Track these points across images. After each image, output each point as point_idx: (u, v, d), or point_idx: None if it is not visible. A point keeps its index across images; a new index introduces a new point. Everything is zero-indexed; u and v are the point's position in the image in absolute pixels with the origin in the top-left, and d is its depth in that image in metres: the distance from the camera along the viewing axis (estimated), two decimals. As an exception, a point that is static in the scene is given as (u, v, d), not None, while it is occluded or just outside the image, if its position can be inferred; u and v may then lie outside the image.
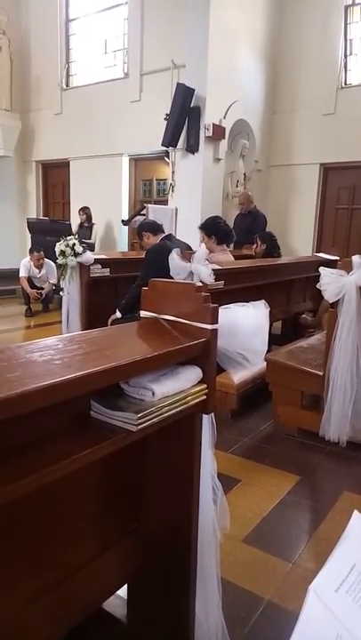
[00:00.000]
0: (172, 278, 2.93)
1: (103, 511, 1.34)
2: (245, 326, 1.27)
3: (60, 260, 3.93)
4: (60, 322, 4.20)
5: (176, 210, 6.54)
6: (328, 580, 0.61)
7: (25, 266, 6.76)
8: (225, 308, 1.27)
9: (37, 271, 6.79)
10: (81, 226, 7.78)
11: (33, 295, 6.72)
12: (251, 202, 6.32)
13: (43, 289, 6.80)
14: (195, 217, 5.74)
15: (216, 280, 3.13)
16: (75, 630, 1.31)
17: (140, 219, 6.90)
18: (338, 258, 4.77)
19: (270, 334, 1.39)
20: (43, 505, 1.12)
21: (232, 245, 5.55)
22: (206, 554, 1.33)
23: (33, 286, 6.77)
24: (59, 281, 4.18)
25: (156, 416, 1.06)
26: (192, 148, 6.07)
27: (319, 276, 2.91)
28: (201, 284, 1.26)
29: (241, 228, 6.03)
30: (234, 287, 3.42)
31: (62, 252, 3.90)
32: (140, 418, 1.01)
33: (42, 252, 6.73)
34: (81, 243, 3.97)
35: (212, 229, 4.02)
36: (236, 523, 2.08)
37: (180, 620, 1.35)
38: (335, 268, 2.96)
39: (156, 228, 3.94)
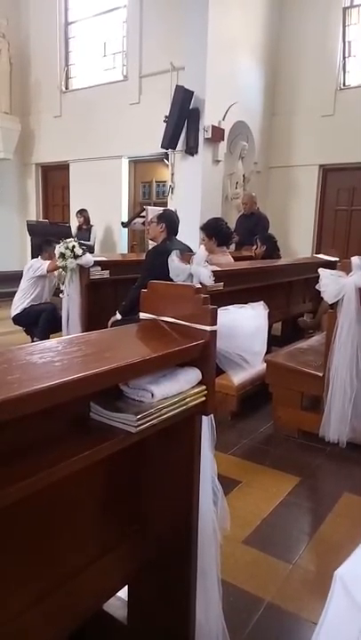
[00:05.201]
0: (172, 280, 2.94)
1: (103, 513, 1.34)
2: (245, 328, 1.27)
3: (60, 263, 3.93)
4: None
5: (176, 212, 6.55)
6: (355, 568, 0.61)
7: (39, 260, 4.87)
8: (224, 310, 1.27)
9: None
10: (79, 228, 7.78)
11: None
12: (254, 202, 6.32)
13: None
14: (194, 219, 5.74)
15: (216, 282, 3.14)
16: (76, 632, 1.31)
17: (139, 221, 6.92)
18: (337, 259, 4.77)
19: (270, 335, 1.39)
20: (43, 507, 1.12)
21: (233, 246, 5.57)
22: (207, 555, 1.33)
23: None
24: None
25: (155, 417, 1.06)
26: (191, 149, 6.07)
27: (319, 277, 2.92)
28: (200, 286, 1.26)
29: (244, 230, 6.03)
30: (234, 289, 3.42)
31: (62, 255, 3.90)
32: (139, 419, 1.02)
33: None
34: (80, 245, 3.97)
35: (214, 231, 4.01)
36: (237, 524, 2.08)
37: (181, 622, 1.35)
38: (335, 269, 2.96)
39: (172, 228, 3.87)
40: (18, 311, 4.79)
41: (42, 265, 4.75)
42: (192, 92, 5.89)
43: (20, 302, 4.80)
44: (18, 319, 4.83)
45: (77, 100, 8.65)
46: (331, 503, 2.38)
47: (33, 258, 6.63)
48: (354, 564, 0.62)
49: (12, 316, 4.84)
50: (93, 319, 3.92)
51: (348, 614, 0.55)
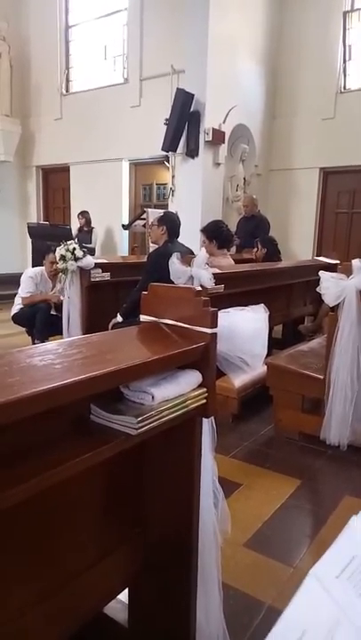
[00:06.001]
0: (173, 282, 2.94)
1: (104, 516, 1.34)
2: (245, 330, 1.27)
3: (61, 265, 3.94)
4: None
5: (176, 213, 6.56)
6: (329, 567, 0.60)
7: (32, 280, 4.79)
8: (224, 312, 1.27)
9: (50, 284, 4.87)
10: (80, 230, 7.79)
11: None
12: (255, 205, 6.32)
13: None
14: (195, 221, 5.74)
15: (216, 284, 3.13)
16: (75, 635, 1.30)
17: (140, 223, 6.92)
18: (338, 262, 4.78)
19: (271, 338, 1.39)
20: (43, 509, 1.12)
21: (234, 249, 5.57)
22: (207, 558, 1.32)
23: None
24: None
25: (155, 420, 1.06)
26: (192, 152, 6.09)
27: (319, 279, 2.92)
28: (200, 288, 1.26)
29: (244, 232, 6.04)
30: (234, 291, 3.42)
31: (63, 257, 3.90)
32: (139, 422, 1.02)
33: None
34: (81, 247, 3.98)
35: (214, 233, 4.02)
36: (238, 527, 2.07)
37: (181, 625, 1.35)
38: (335, 271, 2.96)
39: (173, 230, 3.89)
40: (16, 310, 4.88)
41: (23, 292, 4.81)
42: (192, 95, 5.90)
43: (17, 302, 4.91)
44: (16, 318, 4.91)
45: (78, 102, 8.68)
46: (332, 506, 2.37)
47: (33, 262, 6.70)
48: (327, 565, 0.62)
49: (12, 314, 4.92)
50: (94, 321, 3.92)
51: (322, 608, 0.54)
